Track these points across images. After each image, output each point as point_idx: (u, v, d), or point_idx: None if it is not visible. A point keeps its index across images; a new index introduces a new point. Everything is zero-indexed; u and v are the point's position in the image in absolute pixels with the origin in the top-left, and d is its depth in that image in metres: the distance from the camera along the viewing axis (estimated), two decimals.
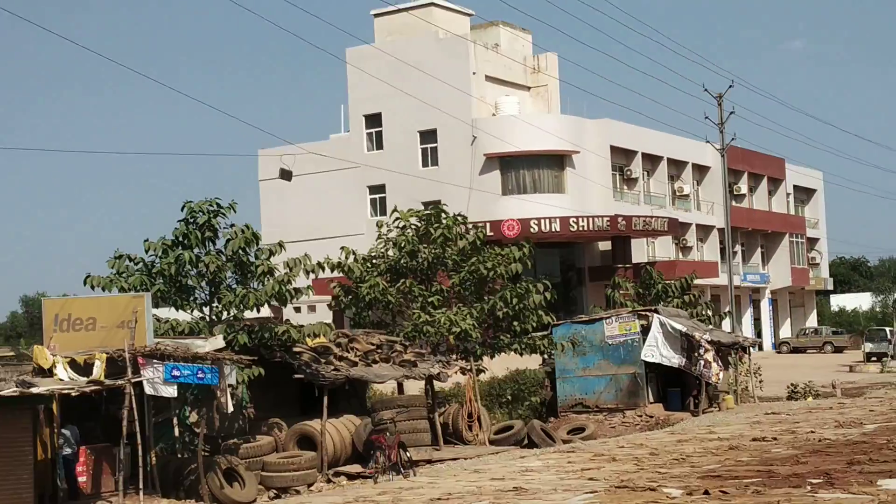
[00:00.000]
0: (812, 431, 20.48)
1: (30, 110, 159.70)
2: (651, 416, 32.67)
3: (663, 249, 71.12)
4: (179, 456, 22.94)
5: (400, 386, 30.18)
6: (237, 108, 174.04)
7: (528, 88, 70.57)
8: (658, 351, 32.48)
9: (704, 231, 76.34)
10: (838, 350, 78.21)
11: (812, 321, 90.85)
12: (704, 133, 79.35)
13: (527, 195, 62.95)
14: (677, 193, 73.98)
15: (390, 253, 32.66)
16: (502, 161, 63.61)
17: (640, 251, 67.84)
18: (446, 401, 30.50)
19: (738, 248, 79.57)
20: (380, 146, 66.45)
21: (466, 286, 32.10)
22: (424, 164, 65.08)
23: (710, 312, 40.22)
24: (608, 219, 60.45)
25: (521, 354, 32.77)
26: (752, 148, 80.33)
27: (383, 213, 65.54)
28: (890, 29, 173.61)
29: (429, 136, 64.91)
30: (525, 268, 32.75)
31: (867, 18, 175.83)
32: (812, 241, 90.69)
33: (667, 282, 40.16)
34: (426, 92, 64.05)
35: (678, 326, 32.42)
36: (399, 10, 65.86)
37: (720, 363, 32.27)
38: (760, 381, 41.76)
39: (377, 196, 66.61)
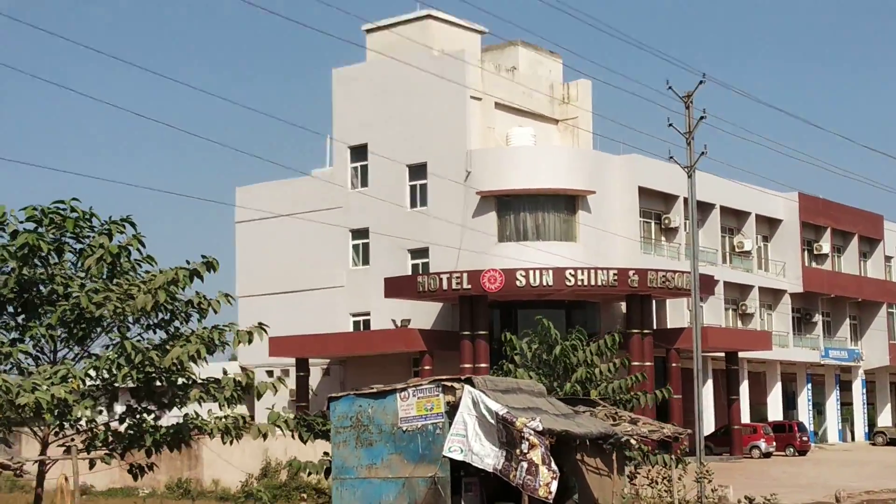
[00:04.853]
0: None
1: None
2: None
3: (714, 315, 58.17)
4: None
5: None
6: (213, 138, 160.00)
7: (556, 121, 58.84)
8: (467, 444, 20.23)
9: (772, 296, 63.43)
10: None
11: None
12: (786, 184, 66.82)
13: (528, 243, 51.15)
14: (736, 249, 61.15)
15: None
16: (499, 201, 52.06)
17: (679, 315, 55.18)
18: None
19: (818, 317, 66.20)
20: (365, 183, 55.57)
21: (72, 329, 20.45)
22: (413, 205, 53.96)
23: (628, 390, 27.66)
24: (615, 273, 48.09)
25: (161, 449, 20.85)
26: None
27: (366, 262, 55.13)
28: None
29: (418, 171, 53.75)
30: (169, 300, 20.61)
31: None
32: None
33: (576, 342, 27.82)
34: (417, 120, 53.42)
35: (495, 407, 20.09)
36: (391, 26, 55.18)
37: (553, 467, 19.79)
38: (714, 490, 29.26)
39: (360, 242, 55.60)
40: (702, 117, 31.94)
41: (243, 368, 51.48)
